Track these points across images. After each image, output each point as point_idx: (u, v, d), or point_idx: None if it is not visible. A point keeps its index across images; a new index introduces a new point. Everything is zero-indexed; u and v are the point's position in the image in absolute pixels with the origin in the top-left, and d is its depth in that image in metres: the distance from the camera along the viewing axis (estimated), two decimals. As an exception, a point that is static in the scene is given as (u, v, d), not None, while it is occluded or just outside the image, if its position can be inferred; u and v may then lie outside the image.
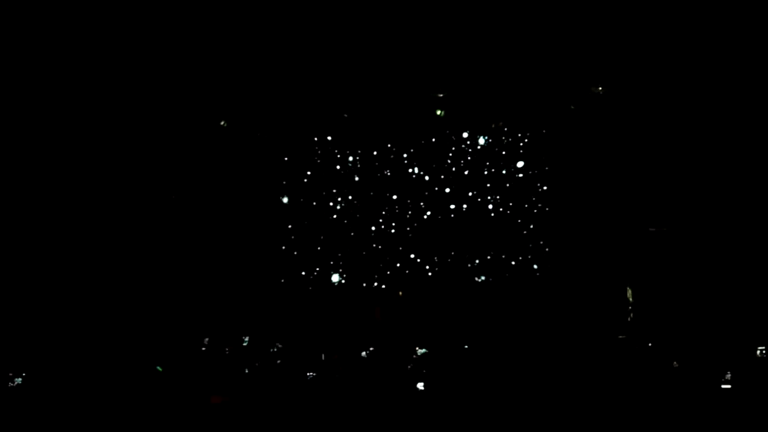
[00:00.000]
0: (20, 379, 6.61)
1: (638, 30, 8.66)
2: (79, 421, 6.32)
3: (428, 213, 10.38)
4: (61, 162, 9.21)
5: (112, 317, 9.14)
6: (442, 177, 10.38)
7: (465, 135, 10.36)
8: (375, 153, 10.46)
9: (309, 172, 10.50)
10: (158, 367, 7.69)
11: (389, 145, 10.45)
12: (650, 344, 8.71)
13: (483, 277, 10.19)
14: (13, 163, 8.83)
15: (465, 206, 10.33)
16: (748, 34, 8.27)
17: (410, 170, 10.43)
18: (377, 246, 10.44)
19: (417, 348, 9.13)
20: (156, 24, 8.73)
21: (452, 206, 10.34)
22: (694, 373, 7.21)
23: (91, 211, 9.37)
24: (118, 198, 9.57)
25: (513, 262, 10.18)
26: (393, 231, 10.42)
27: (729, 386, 6.51)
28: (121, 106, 9.33)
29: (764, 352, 7.02)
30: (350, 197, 10.51)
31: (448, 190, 10.37)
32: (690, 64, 8.84)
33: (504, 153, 10.31)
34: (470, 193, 10.32)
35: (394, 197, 10.46)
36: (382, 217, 10.47)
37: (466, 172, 10.35)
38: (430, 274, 10.34)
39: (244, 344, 8.70)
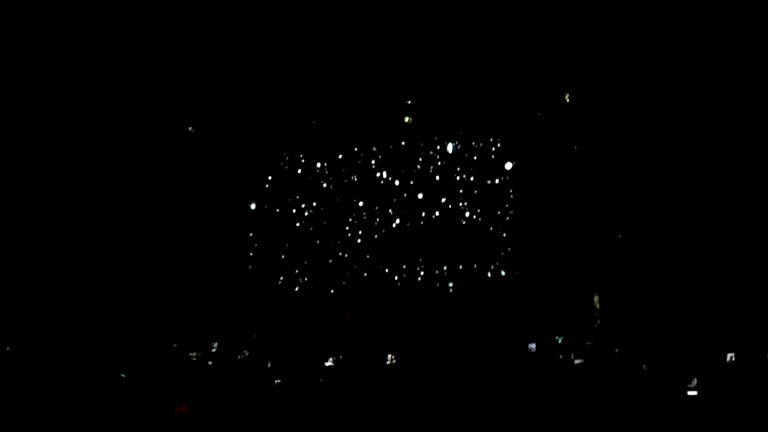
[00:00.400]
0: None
1: (605, 38, 8.74)
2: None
3: (397, 220, 10.37)
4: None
5: (76, 322, 8.97)
6: (411, 183, 10.38)
7: (434, 141, 10.38)
8: (343, 159, 10.43)
9: (276, 178, 10.43)
10: (121, 374, 7.53)
11: (357, 150, 10.43)
12: (617, 350, 8.79)
13: (452, 284, 10.21)
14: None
15: (433, 213, 10.34)
16: (716, 41, 8.41)
17: (378, 175, 10.41)
18: (345, 253, 10.41)
19: (388, 354, 9.12)
20: (122, 31, 8.60)
21: (421, 213, 10.34)
22: (662, 379, 7.27)
23: (56, 216, 9.20)
24: (82, 203, 9.41)
25: (481, 269, 10.22)
26: (361, 238, 10.40)
27: (695, 392, 6.58)
28: (86, 111, 9.17)
29: (733, 358, 7.10)
30: (317, 203, 10.47)
31: (416, 196, 10.38)
32: (657, 71, 8.95)
33: (473, 160, 10.35)
34: (439, 200, 10.34)
35: (362, 203, 10.43)
36: (350, 223, 10.44)
37: (435, 179, 10.36)
38: (397, 280, 10.34)
39: (213, 350, 8.57)
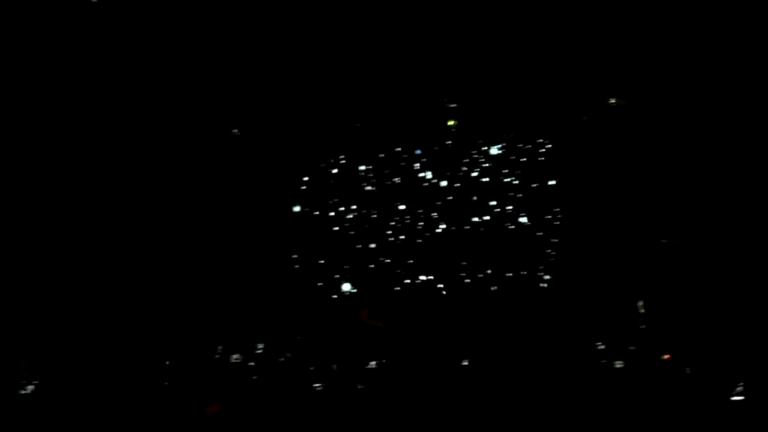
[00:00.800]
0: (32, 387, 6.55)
1: (655, 41, 8.63)
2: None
3: (442, 225, 10.35)
4: (64, 166, 9.20)
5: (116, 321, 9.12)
6: (455, 186, 10.36)
7: (478, 145, 10.35)
8: (387, 162, 10.46)
9: (320, 181, 10.51)
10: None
11: (400, 152, 10.45)
12: (662, 357, 8.64)
13: (495, 287, 10.15)
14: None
15: (476, 216, 10.30)
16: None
17: (421, 177, 10.42)
18: (387, 257, 10.42)
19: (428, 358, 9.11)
20: (163, 31, 8.74)
21: (463, 216, 10.31)
22: (707, 386, 7.13)
23: (98, 215, 9.37)
24: (126, 203, 9.57)
25: (524, 272, 10.14)
26: (403, 240, 10.41)
27: (741, 398, 6.44)
28: (129, 111, 9.33)
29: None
30: (358, 206, 10.51)
31: (460, 199, 10.35)
32: (708, 76, 8.80)
33: (516, 164, 10.28)
34: (482, 204, 10.29)
35: (404, 207, 10.44)
36: (392, 228, 10.46)
37: (478, 182, 10.32)
38: (440, 283, 10.32)
39: (258, 351, 8.66)
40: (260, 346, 8.92)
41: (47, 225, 8.99)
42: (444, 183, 10.38)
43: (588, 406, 7.53)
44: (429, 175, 10.40)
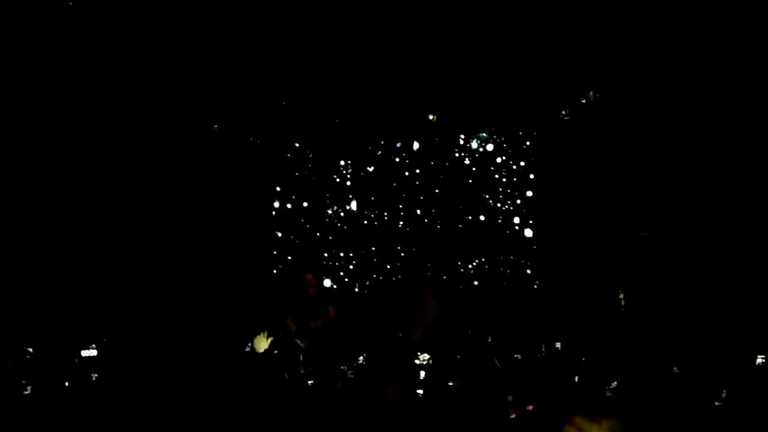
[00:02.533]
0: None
1: (630, 37, 8.64)
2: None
3: (425, 219, 10.35)
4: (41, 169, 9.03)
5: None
6: (435, 181, 10.36)
7: (459, 139, 10.35)
8: (366, 157, 10.42)
9: (300, 176, 10.45)
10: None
11: (381, 147, 10.41)
12: (641, 348, 8.73)
13: (476, 282, 10.20)
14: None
15: (457, 211, 10.32)
16: (742, 43, 8.28)
17: (404, 173, 10.40)
18: (369, 251, 10.41)
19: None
20: (148, 27, 8.55)
21: (445, 210, 10.33)
22: (689, 382, 7.20)
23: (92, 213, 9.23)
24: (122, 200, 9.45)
25: (504, 267, 10.20)
26: (385, 235, 10.40)
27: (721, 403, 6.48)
28: (113, 109, 9.16)
29: (764, 360, 7.00)
30: (340, 201, 10.47)
31: (439, 193, 10.35)
32: (681, 71, 8.85)
33: (496, 158, 10.31)
34: (463, 198, 10.31)
35: (384, 202, 10.43)
36: (374, 221, 10.43)
37: (458, 177, 10.33)
38: (423, 276, 10.34)
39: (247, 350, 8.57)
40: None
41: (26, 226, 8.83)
42: (426, 177, 10.37)
43: (569, 400, 7.60)
44: (410, 169, 10.38)
